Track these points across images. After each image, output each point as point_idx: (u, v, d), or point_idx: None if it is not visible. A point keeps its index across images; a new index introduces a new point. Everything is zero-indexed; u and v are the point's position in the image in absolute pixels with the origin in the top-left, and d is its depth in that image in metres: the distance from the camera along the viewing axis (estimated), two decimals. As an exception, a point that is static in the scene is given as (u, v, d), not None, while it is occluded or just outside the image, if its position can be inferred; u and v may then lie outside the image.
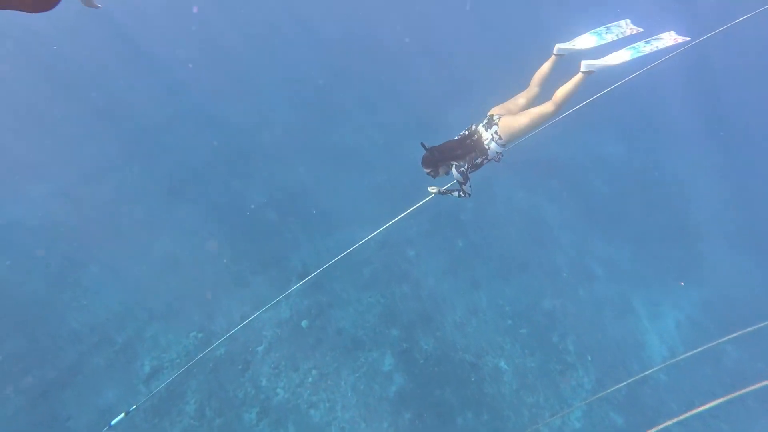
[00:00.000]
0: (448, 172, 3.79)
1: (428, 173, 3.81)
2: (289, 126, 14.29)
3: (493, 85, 15.47)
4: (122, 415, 4.13)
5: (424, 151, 3.75)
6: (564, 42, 3.71)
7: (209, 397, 7.50)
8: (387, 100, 15.69)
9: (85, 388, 7.46)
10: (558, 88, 3.52)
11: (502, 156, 3.78)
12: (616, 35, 3.64)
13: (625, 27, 3.68)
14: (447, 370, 8.07)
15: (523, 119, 3.56)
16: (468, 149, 3.68)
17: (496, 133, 3.61)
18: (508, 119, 3.62)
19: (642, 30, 3.59)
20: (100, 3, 2.04)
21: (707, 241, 11.33)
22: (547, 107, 3.51)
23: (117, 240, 10.13)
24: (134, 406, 4.46)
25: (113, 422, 4.10)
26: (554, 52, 3.70)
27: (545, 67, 3.75)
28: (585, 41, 3.71)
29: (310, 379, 7.92)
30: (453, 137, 3.84)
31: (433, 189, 4.02)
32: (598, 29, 3.72)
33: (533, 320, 8.81)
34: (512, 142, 3.67)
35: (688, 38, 3.38)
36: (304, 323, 8.75)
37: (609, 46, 3.66)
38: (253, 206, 11.40)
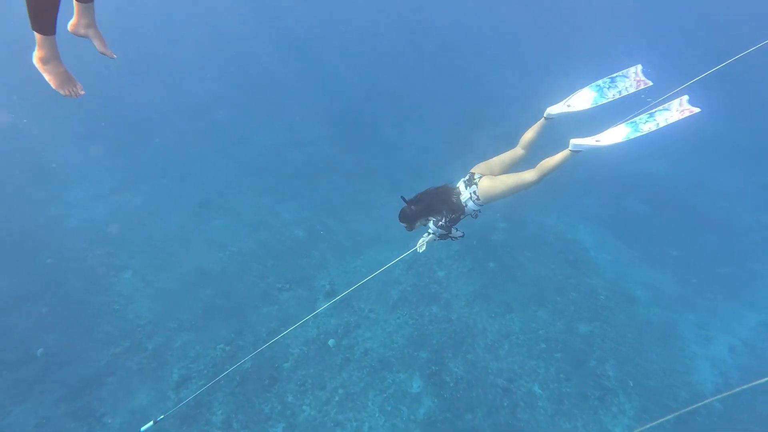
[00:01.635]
0: (425, 225, 3.99)
1: (405, 227, 4.03)
2: (318, 144, 15.11)
3: (522, 106, 16.08)
4: (151, 423, 4.48)
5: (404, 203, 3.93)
6: (556, 104, 3.68)
7: (236, 409, 7.83)
8: (416, 119, 16.40)
9: (118, 388, 8.00)
10: (545, 158, 3.58)
11: (480, 213, 3.96)
12: (620, 91, 3.50)
13: (633, 79, 3.51)
14: (478, 394, 8.17)
15: (502, 184, 3.69)
16: (446, 205, 3.85)
17: (474, 193, 3.77)
18: (487, 181, 3.75)
19: (651, 83, 3.42)
20: (114, 54, 2.42)
21: (762, 261, 11.13)
22: (528, 176, 3.60)
23: (149, 248, 10.90)
24: (162, 416, 4.86)
25: (142, 429, 4.49)
26: (545, 115, 3.71)
27: (534, 129, 3.79)
28: (582, 99, 3.59)
29: (336, 398, 8.14)
30: (434, 186, 4.02)
31: (422, 246, 4.24)
32: (600, 81, 3.61)
33: (569, 344, 8.82)
34: (489, 202, 3.82)
35: (698, 109, 3.24)
36: (331, 342, 9.04)
37: (606, 111, 3.52)
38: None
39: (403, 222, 4.01)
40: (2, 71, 17.87)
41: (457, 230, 3.97)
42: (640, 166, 13.96)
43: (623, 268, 10.60)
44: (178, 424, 7.44)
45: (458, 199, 3.88)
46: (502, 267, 10.57)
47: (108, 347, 8.63)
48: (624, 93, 3.49)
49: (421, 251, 4.28)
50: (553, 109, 3.67)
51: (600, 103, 3.53)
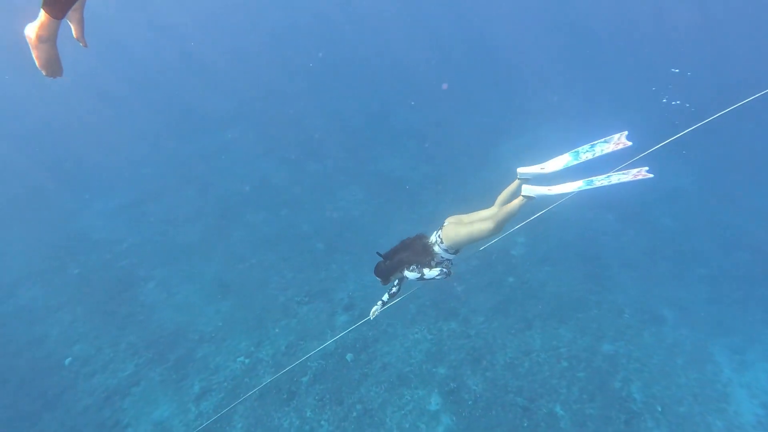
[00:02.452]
0: (399, 278, 4.22)
1: (380, 282, 4.22)
2: (338, 156, 15.34)
3: (544, 118, 16.00)
4: None
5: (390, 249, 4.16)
6: (528, 165, 3.83)
7: (255, 423, 7.97)
8: (437, 131, 16.48)
9: (141, 399, 8.30)
10: (502, 206, 3.82)
11: (451, 264, 4.11)
12: (595, 153, 3.65)
13: (613, 143, 3.61)
14: (497, 413, 8.11)
15: (464, 230, 3.94)
16: (418, 252, 4.06)
17: (439, 236, 4.02)
18: (451, 227, 4.01)
19: (630, 144, 3.51)
20: (87, 44, 2.49)
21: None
22: (486, 225, 3.83)
23: (171, 260, 11.30)
24: None
25: None
26: (518, 177, 3.86)
27: (509, 189, 3.96)
28: (556, 163, 3.77)
29: (354, 414, 8.20)
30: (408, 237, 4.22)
31: (375, 313, 4.55)
32: (581, 147, 3.74)
33: (592, 363, 8.67)
34: (454, 248, 4.02)
35: (652, 176, 3.51)
36: (349, 356, 9.12)
37: (574, 169, 3.67)
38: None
39: (378, 276, 4.20)
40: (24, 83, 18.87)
41: (430, 269, 4.00)
42: (666, 181, 13.71)
43: (649, 286, 10.37)
44: (200, 437, 7.64)
45: (427, 243, 4.11)
46: (522, 282, 10.50)
47: (132, 358, 8.98)
48: (598, 154, 3.65)
49: (372, 318, 4.60)
50: (526, 170, 3.83)
51: (571, 165, 3.70)
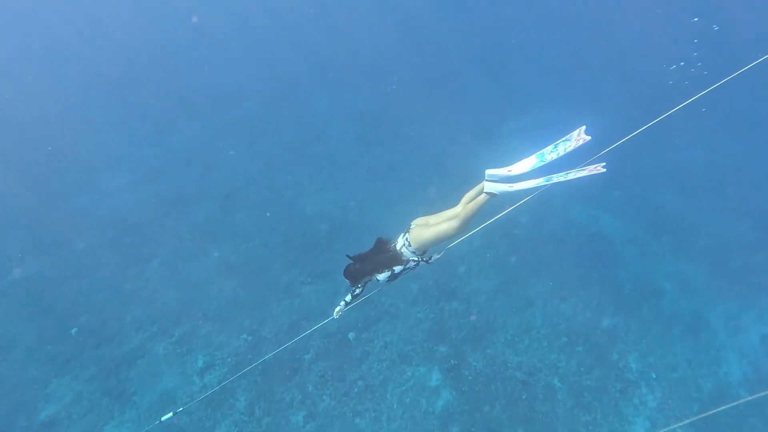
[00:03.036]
0: (369, 281, 4.30)
1: (349, 284, 4.33)
2: (342, 138, 15.47)
3: (548, 97, 15.87)
4: (170, 414, 4.89)
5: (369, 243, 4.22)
6: (496, 168, 3.88)
7: (258, 397, 8.29)
8: (440, 113, 16.53)
9: (146, 371, 8.70)
10: (466, 205, 3.91)
11: (419, 262, 4.10)
12: (558, 153, 3.74)
13: (574, 140, 3.70)
14: (497, 387, 8.36)
15: (429, 231, 3.99)
16: (387, 257, 4.14)
17: (407, 240, 4.08)
18: (418, 229, 4.07)
19: (589, 138, 3.60)
20: None
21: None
22: (452, 224, 3.91)
23: (176, 238, 11.59)
24: (180, 408, 5.31)
25: (163, 419, 4.90)
26: (486, 178, 3.91)
27: (476, 189, 3.99)
28: (523, 165, 3.85)
29: (356, 390, 8.48)
30: (378, 240, 4.30)
31: (338, 313, 4.65)
32: (545, 149, 3.80)
33: (591, 338, 8.88)
34: (422, 249, 4.08)
35: (605, 170, 3.56)
36: (351, 335, 9.37)
37: (542, 168, 3.78)
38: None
39: (347, 278, 4.32)
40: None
41: (394, 269, 4.13)
42: (672, 155, 13.73)
43: (650, 261, 10.53)
44: (204, 407, 7.99)
45: (394, 248, 4.20)
46: (524, 261, 10.65)
47: (137, 332, 9.38)
48: (562, 153, 3.73)
49: (337, 317, 4.72)
50: (494, 172, 3.90)
51: (538, 167, 3.80)
